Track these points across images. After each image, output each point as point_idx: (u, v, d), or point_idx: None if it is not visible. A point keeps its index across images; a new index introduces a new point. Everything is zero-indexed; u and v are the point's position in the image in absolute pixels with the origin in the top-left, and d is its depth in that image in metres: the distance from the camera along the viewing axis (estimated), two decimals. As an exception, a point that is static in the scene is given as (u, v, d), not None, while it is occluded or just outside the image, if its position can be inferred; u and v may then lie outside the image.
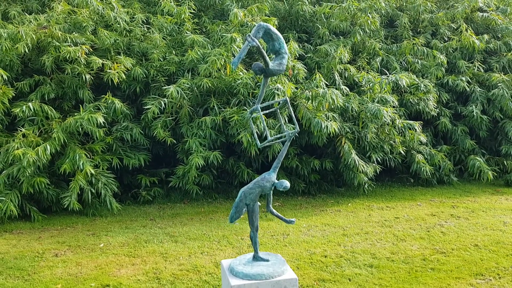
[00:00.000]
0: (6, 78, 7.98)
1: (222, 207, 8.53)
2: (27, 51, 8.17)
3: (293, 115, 4.22)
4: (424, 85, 9.72)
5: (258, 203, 4.10)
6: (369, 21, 10.15)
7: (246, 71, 8.67)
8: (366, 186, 8.98)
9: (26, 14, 8.95)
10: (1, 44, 7.92)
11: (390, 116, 8.86)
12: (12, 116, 8.06)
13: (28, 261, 6.13)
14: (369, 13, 10.18)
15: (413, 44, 10.60)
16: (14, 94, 8.09)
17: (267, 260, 3.99)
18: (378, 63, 10.15)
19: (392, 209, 8.32)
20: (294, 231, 7.18)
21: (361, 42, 10.39)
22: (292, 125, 8.30)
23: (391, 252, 6.31)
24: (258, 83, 8.54)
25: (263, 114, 4.22)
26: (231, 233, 7.07)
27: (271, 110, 4.51)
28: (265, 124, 4.15)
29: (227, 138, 8.65)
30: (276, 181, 3.99)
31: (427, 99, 9.77)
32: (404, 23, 11.09)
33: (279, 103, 4.43)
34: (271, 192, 4.05)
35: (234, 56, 8.68)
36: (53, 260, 6.16)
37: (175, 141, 8.52)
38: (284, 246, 6.60)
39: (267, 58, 4.07)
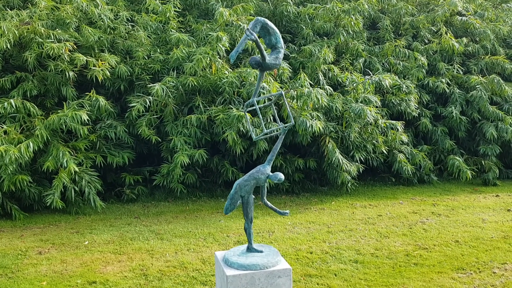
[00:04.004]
0: (-13, 74, 7.85)
1: (206, 205, 8.53)
2: (8, 47, 8.04)
3: (288, 109, 4.28)
4: (406, 86, 9.91)
5: (252, 195, 4.14)
6: (352, 23, 10.29)
7: (231, 70, 8.70)
8: (349, 185, 9.09)
9: (8, 9, 8.80)
10: (-18, 39, 7.79)
11: (373, 116, 9.01)
12: (-7, 112, 7.91)
13: (11, 259, 6.04)
14: (353, 14, 10.32)
15: (395, 46, 10.79)
16: (-5, 91, 7.97)
17: (261, 251, 4.04)
18: (361, 64, 10.30)
19: (375, 207, 8.45)
20: (279, 229, 7.24)
21: (345, 43, 10.53)
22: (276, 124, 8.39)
23: (375, 248, 6.42)
24: (244, 82, 8.58)
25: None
26: (216, 231, 7.09)
27: (266, 104, 4.55)
28: (261, 117, 4.19)
29: (212, 136, 8.66)
30: (271, 173, 4.04)
31: (408, 99, 9.95)
32: (386, 25, 11.28)
33: (273, 96, 4.49)
34: (266, 184, 4.11)
35: (220, 55, 8.72)
36: (37, 258, 6.08)
37: (159, 139, 8.50)
38: (270, 243, 6.64)
39: (264, 52, 4.12)
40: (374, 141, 9.46)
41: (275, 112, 4.72)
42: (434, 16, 11.48)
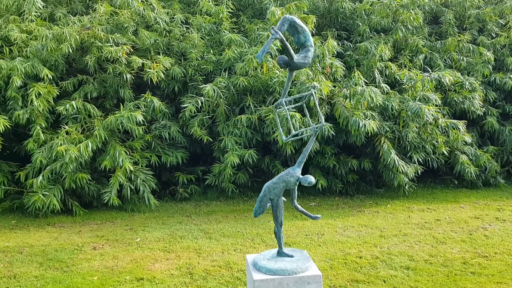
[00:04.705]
0: (51, 77, 8.29)
1: (251, 207, 8.49)
2: (71, 51, 8.46)
3: (318, 109, 4.14)
4: (469, 83, 9.34)
5: (283, 198, 4.04)
6: (411, 18, 9.84)
7: (282, 70, 8.61)
8: (406, 187, 8.71)
9: (71, 15, 9.27)
10: (46, 44, 8.24)
11: (432, 115, 8.57)
12: (57, 114, 8.35)
13: (67, 253, 6.34)
14: (412, 9, 9.87)
15: (458, 41, 10.21)
16: (58, 93, 8.40)
17: (292, 256, 3.92)
18: (421, 60, 9.84)
19: (434, 211, 8.03)
20: (329, 231, 7.06)
21: (403, 39, 10.10)
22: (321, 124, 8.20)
23: (429, 255, 6.09)
24: (295, 82, 8.47)
25: (289, 108, 4.16)
26: (265, 231, 7.04)
27: (297, 104, 4.44)
28: (289, 118, 4.09)
29: (263, 136, 8.63)
30: (301, 176, 3.92)
31: (472, 97, 9.38)
32: (449, 19, 10.70)
33: (305, 97, 4.36)
34: (296, 187, 3.99)
35: (271, 55, 8.67)
36: (91, 253, 6.34)
37: (211, 139, 8.59)
38: (318, 246, 6.50)
39: (291, 51, 4.02)
40: (434, 142, 8.99)
41: (307, 112, 4.56)
42: (502, 8, 10.74)
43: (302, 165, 3.96)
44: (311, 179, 3.83)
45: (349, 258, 6.03)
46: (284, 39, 3.95)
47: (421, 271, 5.62)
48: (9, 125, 7.90)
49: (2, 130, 7.79)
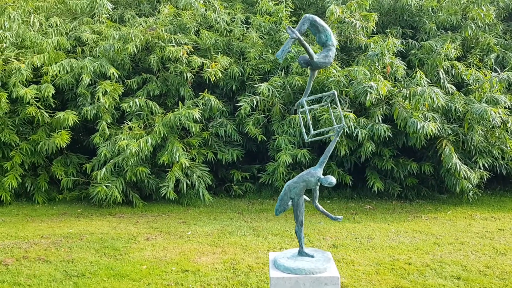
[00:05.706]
0: (118, 76, 8.78)
1: (310, 206, 8.37)
2: (136, 51, 8.90)
3: (341, 111, 4.08)
4: (545, 84, 8.64)
5: (306, 197, 4.01)
6: (482, 15, 9.27)
7: (339, 69, 8.48)
8: (470, 193, 8.24)
9: (138, 17, 9.74)
10: (113, 45, 8.74)
11: (501, 117, 8.03)
12: (122, 110, 8.82)
13: (122, 242, 6.69)
14: (483, 5, 9.30)
15: (536, 38, 9.48)
16: (123, 91, 8.87)
17: (312, 256, 3.88)
18: (492, 60, 9.25)
19: (498, 220, 7.53)
20: (380, 235, 6.87)
21: (474, 37, 9.55)
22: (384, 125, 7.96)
23: (485, 266, 5.73)
24: (352, 81, 8.31)
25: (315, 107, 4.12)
26: (313, 232, 6.99)
27: (322, 104, 4.40)
28: (309, 118, 4.06)
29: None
30: (322, 176, 3.87)
31: (549, 100, 8.66)
32: (527, 15, 9.97)
33: (328, 96, 4.31)
34: (317, 187, 3.94)
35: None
36: (144, 243, 6.64)
37: (265, 138, 8.64)
38: (367, 250, 6.34)
39: (311, 50, 4.01)
40: (502, 146, 8.43)
41: (332, 111, 4.48)
42: None
43: (324, 165, 3.91)
44: (332, 179, 3.78)
45: (397, 264, 5.83)
46: (302, 38, 3.93)
47: (473, 282, 5.30)
48: (78, 120, 8.48)
49: (72, 124, 8.38)
